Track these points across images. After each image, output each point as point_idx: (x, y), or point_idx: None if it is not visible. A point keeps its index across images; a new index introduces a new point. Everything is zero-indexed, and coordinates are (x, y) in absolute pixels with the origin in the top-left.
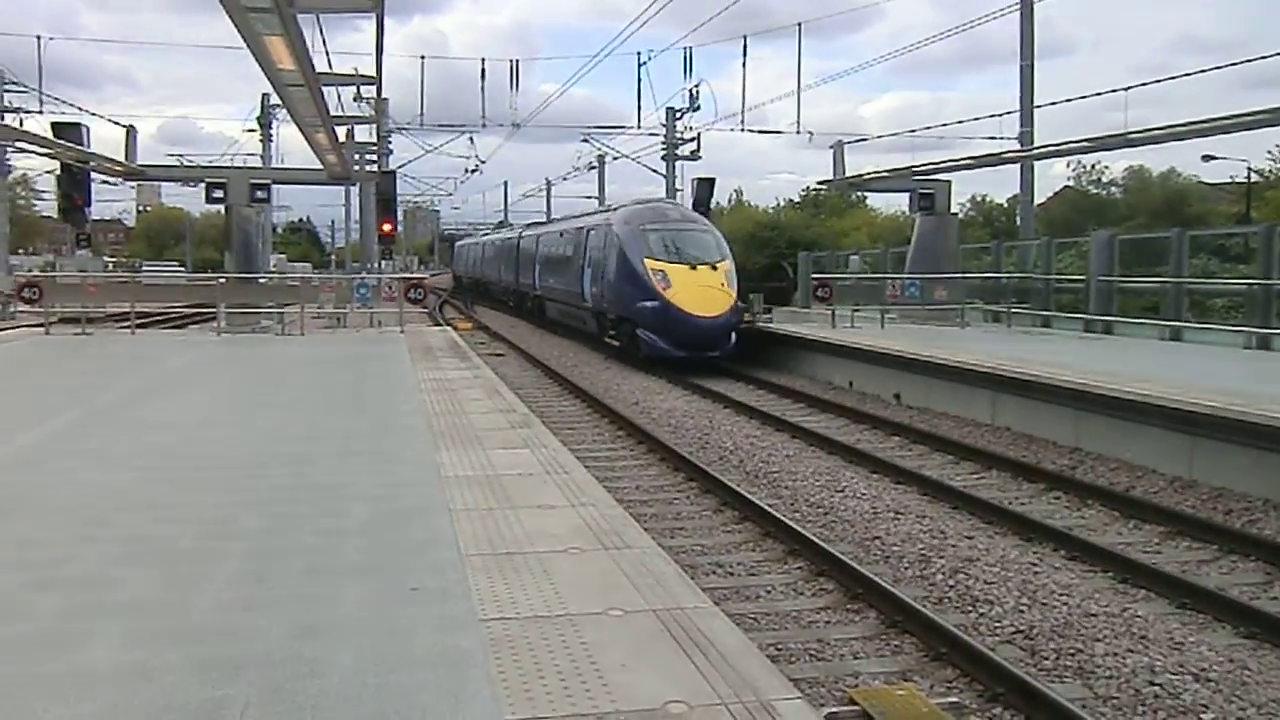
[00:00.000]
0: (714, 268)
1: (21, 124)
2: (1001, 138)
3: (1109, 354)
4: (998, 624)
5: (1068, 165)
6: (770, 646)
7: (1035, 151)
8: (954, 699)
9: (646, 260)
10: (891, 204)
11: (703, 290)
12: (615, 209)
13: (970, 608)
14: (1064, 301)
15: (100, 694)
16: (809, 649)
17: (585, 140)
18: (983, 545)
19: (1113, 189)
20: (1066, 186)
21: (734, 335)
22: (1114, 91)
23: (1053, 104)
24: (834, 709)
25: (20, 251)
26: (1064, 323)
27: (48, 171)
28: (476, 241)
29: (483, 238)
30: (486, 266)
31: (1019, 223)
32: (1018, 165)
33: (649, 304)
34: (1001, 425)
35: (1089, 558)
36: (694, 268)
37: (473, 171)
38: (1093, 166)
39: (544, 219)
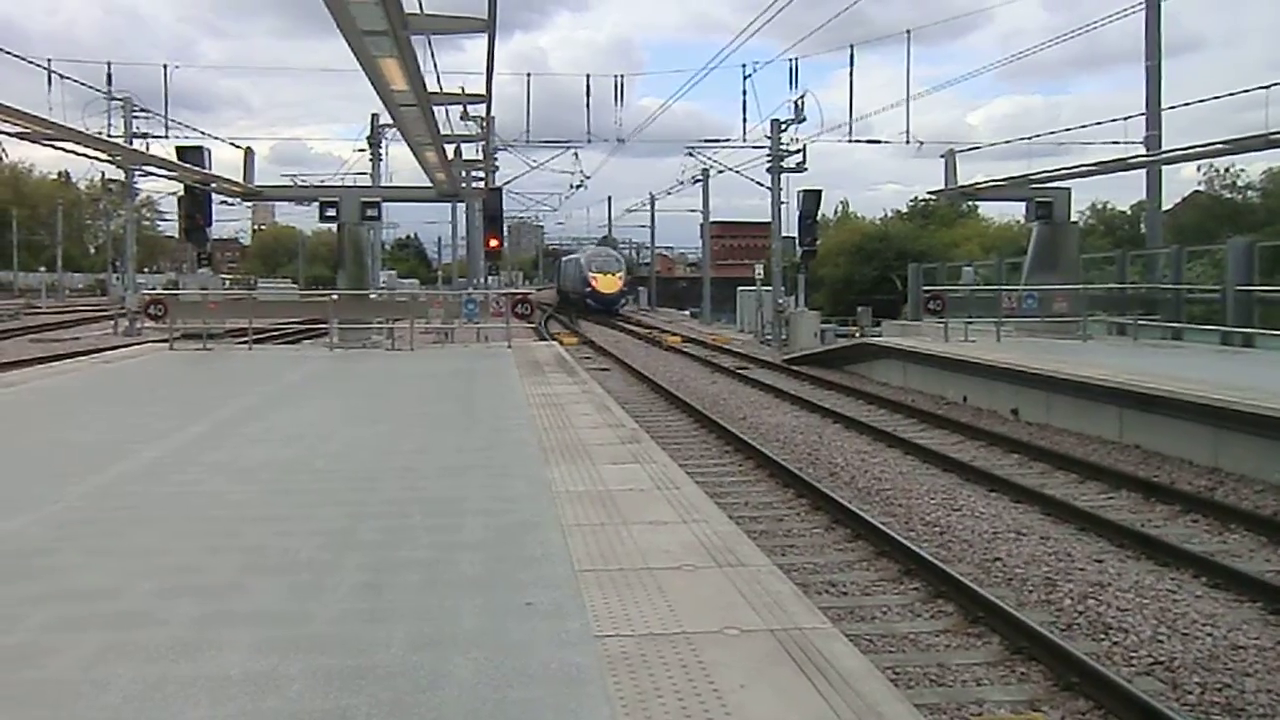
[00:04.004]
0: (615, 274)
1: (148, 148)
2: (1125, 142)
3: (1250, 368)
4: (1134, 654)
5: (1198, 169)
6: (888, 670)
7: (1166, 155)
8: None
9: (589, 272)
10: (1004, 213)
11: (608, 283)
12: (585, 249)
13: (1103, 635)
14: (1196, 313)
15: (231, 700)
16: (929, 673)
17: (690, 154)
18: (1113, 569)
19: (1249, 193)
20: (1196, 191)
21: (623, 300)
22: (1251, 90)
23: (1183, 105)
24: None
25: (144, 270)
26: (1197, 335)
27: (171, 193)
28: (557, 260)
29: (558, 258)
30: (552, 276)
31: (1144, 230)
32: (1143, 170)
33: (588, 289)
34: (1130, 443)
35: (1234, 586)
36: (606, 274)
37: (577, 187)
38: (1226, 170)
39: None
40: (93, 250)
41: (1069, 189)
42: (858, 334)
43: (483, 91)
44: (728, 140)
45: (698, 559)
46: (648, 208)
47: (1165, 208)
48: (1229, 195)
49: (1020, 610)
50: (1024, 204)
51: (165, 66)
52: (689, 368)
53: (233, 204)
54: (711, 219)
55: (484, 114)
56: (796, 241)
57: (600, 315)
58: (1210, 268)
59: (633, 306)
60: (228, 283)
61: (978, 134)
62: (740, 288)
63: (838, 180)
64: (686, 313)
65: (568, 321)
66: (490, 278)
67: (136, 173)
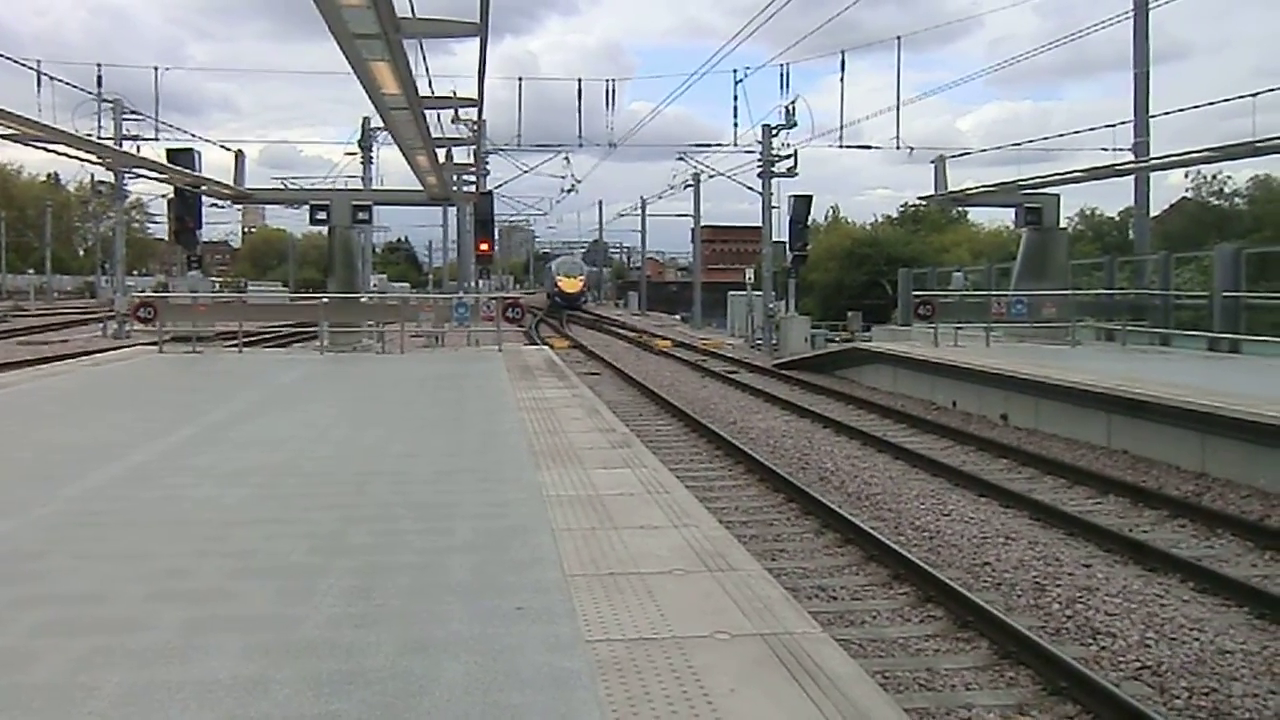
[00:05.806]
0: (577, 277)
1: (139, 150)
2: (1114, 149)
3: (1237, 374)
4: (1121, 658)
5: (1186, 176)
6: (878, 674)
7: (1154, 162)
8: None
9: (558, 276)
10: (994, 219)
11: (571, 285)
12: (558, 258)
13: (1090, 640)
14: (1183, 319)
15: (221, 705)
16: (918, 678)
17: (681, 158)
18: (1101, 574)
19: (1236, 200)
20: (1184, 198)
21: (584, 298)
22: (1240, 98)
23: (1172, 112)
24: None
25: (134, 273)
26: (1185, 341)
27: (161, 195)
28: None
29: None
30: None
31: (1133, 236)
32: (1131, 177)
33: (556, 289)
34: (1118, 448)
35: (1221, 590)
36: (570, 278)
37: (568, 191)
38: (1214, 177)
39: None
40: (82, 252)
41: (1058, 195)
42: (842, 338)
43: (474, 95)
44: (719, 145)
45: (688, 563)
46: (639, 212)
47: (1153, 214)
48: (1216, 202)
49: (1009, 615)
50: (1013, 210)
51: (156, 69)
52: (679, 372)
53: (223, 207)
54: (702, 223)
55: (475, 118)
56: (787, 246)
57: (569, 310)
58: (1198, 274)
59: (615, 308)
60: (218, 285)
61: (967, 140)
62: (731, 292)
63: (828, 185)
64: (677, 317)
65: (558, 325)
66: (481, 281)
67: (126, 175)
